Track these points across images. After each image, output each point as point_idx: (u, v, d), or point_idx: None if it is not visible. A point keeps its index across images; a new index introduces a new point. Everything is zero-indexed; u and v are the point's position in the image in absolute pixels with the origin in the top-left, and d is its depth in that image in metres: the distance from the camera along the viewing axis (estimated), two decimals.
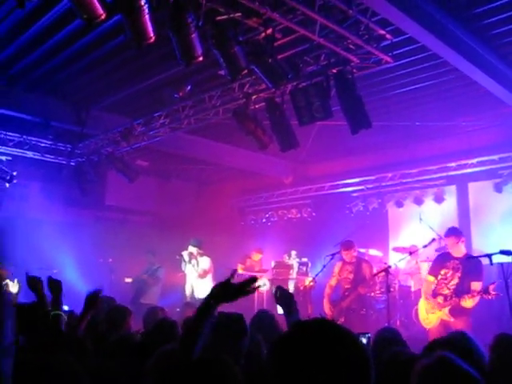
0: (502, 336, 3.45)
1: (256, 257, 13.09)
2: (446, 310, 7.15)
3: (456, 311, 7.08)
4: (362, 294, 8.83)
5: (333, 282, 9.16)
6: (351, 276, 8.94)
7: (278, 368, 1.58)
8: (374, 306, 9.28)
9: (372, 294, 9.39)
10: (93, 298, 4.21)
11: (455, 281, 7.22)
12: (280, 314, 4.70)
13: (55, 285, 4.17)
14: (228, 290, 2.68)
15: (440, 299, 7.27)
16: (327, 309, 8.80)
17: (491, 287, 6.79)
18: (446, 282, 7.31)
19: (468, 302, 6.97)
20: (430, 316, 7.36)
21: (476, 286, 7.03)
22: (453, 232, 7.56)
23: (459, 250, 7.38)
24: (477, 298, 6.95)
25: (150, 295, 10.67)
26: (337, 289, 9.17)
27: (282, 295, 3.60)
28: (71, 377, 2.36)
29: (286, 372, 1.55)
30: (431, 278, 7.57)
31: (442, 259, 7.65)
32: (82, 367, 2.43)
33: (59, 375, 2.32)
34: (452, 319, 7.09)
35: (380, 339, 3.55)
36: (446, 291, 7.26)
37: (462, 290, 7.10)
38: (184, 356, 2.55)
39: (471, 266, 7.17)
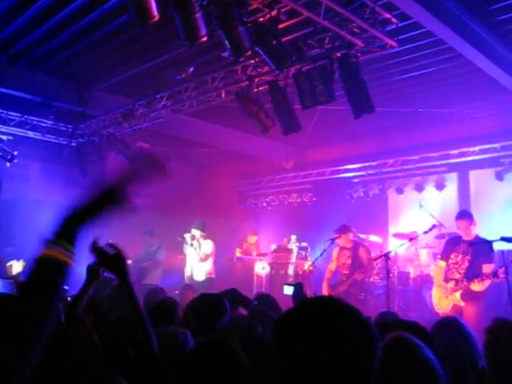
0: (497, 320, 3.49)
1: (252, 239, 13.11)
2: (458, 294, 7.10)
3: (467, 296, 7.03)
4: (359, 280, 8.86)
5: (332, 266, 9.21)
6: (349, 261, 8.98)
7: (281, 345, 1.56)
8: (372, 292, 9.31)
9: (371, 279, 9.42)
10: (95, 270, 4.19)
11: (465, 264, 7.16)
12: (286, 295, 4.74)
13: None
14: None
15: (451, 284, 7.21)
16: (326, 293, 8.83)
17: (500, 270, 6.76)
18: (456, 266, 7.25)
19: (478, 286, 6.91)
20: (442, 301, 7.31)
21: (487, 268, 6.98)
22: (465, 215, 7.51)
23: (470, 234, 7.29)
24: (487, 282, 6.89)
25: (150, 277, 10.69)
26: (336, 273, 9.22)
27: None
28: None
29: (289, 349, 1.53)
30: (442, 264, 7.50)
31: (452, 243, 7.56)
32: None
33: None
34: (463, 304, 7.07)
35: (381, 322, 3.55)
36: (457, 275, 7.20)
37: (472, 274, 7.04)
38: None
39: (481, 248, 7.10)
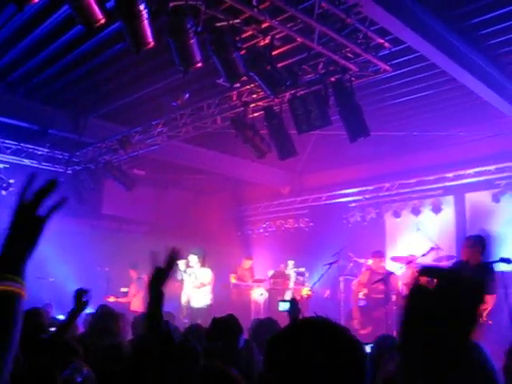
0: None
1: (246, 264, 12.95)
2: None
3: None
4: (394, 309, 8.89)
5: (362, 290, 9.53)
6: (381, 287, 9.03)
7: (270, 365, 1.54)
8: None
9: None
10: (81, 296, 4.18)
11: None
12: (281, 311, 4.73)
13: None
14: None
15: None
16: (356, 316, 9.17)
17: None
18: None
19: None
20: None
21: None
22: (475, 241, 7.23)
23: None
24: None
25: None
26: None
27: None
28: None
29: (277, 370, 1.50)
30: None
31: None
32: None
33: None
34: None
35: (380, 347, 3.47)
36: None
37: None
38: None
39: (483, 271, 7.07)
